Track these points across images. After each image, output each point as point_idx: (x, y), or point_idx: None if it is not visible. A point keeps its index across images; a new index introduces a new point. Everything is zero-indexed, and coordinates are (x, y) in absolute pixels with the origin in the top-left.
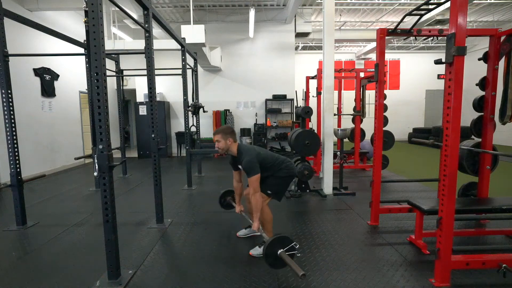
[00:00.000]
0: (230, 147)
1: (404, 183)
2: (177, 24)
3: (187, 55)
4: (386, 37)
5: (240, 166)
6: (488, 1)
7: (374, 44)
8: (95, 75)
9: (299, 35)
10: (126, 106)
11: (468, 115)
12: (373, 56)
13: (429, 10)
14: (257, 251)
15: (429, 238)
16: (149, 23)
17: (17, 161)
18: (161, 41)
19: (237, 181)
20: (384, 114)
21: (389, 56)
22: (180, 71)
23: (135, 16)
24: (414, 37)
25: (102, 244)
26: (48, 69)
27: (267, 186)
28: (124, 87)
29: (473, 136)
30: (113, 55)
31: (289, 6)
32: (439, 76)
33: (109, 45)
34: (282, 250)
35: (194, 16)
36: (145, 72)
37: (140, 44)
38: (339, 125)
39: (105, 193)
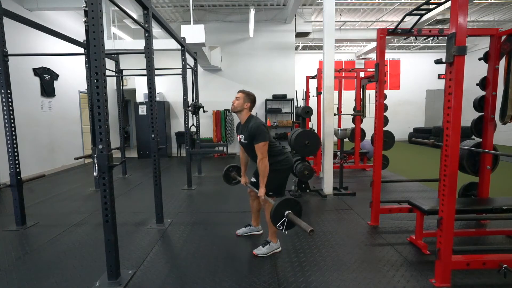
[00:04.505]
0: (243, 110)
1: (404, 183)
2: (177, 24)
3: (187, 55)
4: (386, 37)
5: (243, 136)
6: (489, 1)
7: (374, 44)
8: (95, 75)
9: (299, 35)
10: (126, 106)
11: (468, 115)
12: (373, 56)
13: (430, 10)
14: (261, 250)
15: (429, 238)
16: (149, 23)
17: (17, 161)
18: (161, 41)
19: (243, 152)
20: (384, 114)
21: (389, 56)
22: (180, 71)
23: (135, 16)
24: (414, 37)
25: (102, 244)
26: (48, 69)
27: (267, 185)
28: (124, 87)
29: (473, 136)
30: (113, 55)
31: (289, 6)
32: (439, 76)
33: (109, 45)
34: (289, 211)
35: (194, 16)
36: (145, 72)
37: (140, 44)
38: (339, 125)
39: (105, 193)
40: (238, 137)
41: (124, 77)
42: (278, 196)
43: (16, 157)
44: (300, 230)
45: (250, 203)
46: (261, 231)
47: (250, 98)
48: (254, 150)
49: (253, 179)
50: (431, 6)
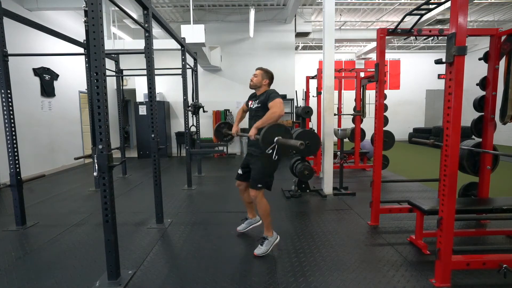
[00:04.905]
0: (261, 86)
1: (404, 183)
2: (177, 24)
3: (187, 55)
4: (386, 37)
5: (256, 101)
6: (489, 0)
7: (374, 44)
8: (95, 75)
9: (299, 35)
10: (126, 106)
11: (468, 115)
12: (373, 56)
13: (430, 10)
14: (260, 250)
15: (429, 238)
16: (149, 23)
17: (17, 161)
18: (161, 41)
19: (244, 110)
20: (384, 114)
21: (389, 56)
22: (180, 71)
23: (135, 16)
24: (414, 37)
25: (102, 244)
26: (48, 69)
27: (256, 176)
28: (124, 87)
29: (473, 136)
30: (113, 55)
31: (289, 6)
32: (439, 76)
33: (109, 45)
34: (279, 137)
35: (194, 16)
36: (145, 72)
37: (140, 44)
38: (339, 125)
39: (105, 193)
40: (250, 102)
41: (124, 77)
42: (266, 187)
43: (16, 157)
44: (301, 231)
45: (240, 196)
46: (260, 221)
47: (268, 75)
48: (262, 113)
49: (239, 171)
50: (431, 6)
